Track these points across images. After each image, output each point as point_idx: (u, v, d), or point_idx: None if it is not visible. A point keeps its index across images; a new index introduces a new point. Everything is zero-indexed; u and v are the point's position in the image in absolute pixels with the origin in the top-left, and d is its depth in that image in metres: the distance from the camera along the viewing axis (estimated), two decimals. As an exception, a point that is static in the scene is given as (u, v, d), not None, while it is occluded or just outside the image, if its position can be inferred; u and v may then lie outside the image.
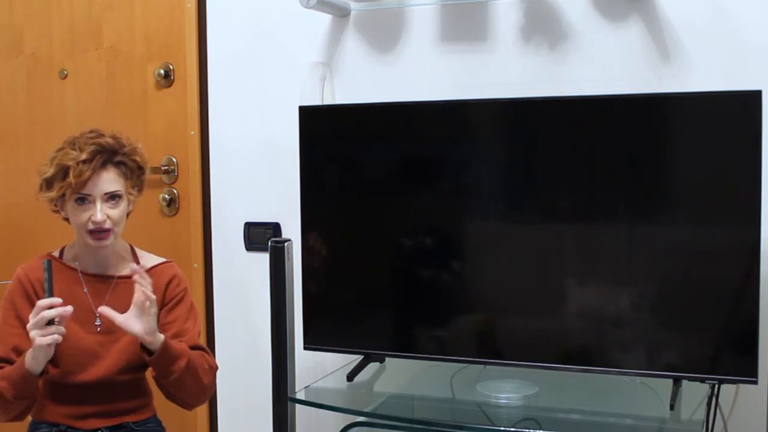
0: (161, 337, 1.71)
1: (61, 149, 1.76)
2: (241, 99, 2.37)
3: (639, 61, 1.95)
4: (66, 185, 1.72)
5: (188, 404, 1.85)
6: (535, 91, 1.98)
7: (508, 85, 2.05)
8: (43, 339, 1.61)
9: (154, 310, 1.68)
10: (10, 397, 1.68)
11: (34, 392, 1.70)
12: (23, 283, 1.79)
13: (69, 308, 1.64)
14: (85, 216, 1.74)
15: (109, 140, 1.77)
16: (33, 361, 1.65)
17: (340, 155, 1.96)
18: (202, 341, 1.92)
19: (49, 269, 1.67)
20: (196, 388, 1.79)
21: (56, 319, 1.63)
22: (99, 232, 1.75)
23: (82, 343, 1.76)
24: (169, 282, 1.87)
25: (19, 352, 1.72)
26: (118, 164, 1.77)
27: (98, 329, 1.78)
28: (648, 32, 1.94)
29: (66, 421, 1.79)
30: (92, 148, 1.73)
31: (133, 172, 1.82)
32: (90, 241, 1.76)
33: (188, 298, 1.89)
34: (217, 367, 1.87)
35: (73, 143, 1.75)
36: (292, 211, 2.05)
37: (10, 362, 1.72)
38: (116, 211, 1.76)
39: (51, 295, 1.65)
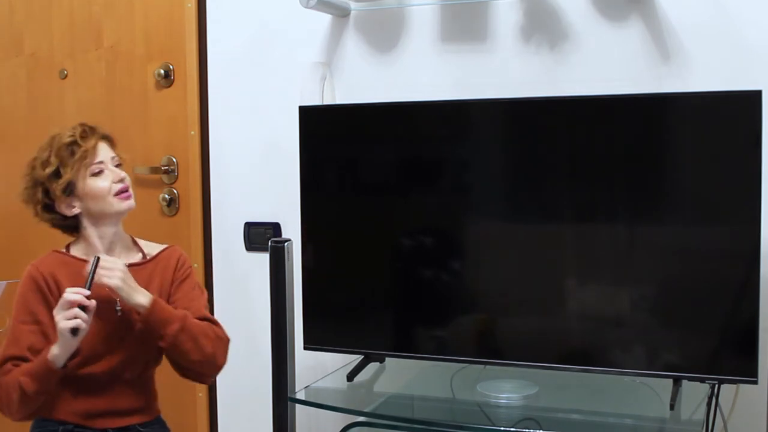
0: (149, 296, 1.74)
1: (47, 148, 1.80)
2: (241, 99, 2.37)
3: (639, 61, 1.95)
4: (80, 156, 1.77)
5: (200, 375, 1.86)
6: (535, 91, 1.98)
7: (508, 85, 2.05)
8: (66, 322, 1.63)
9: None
10: (31, 393, 1.68)
11: (53, 387, 1.71)
12: (35, 278, 1.78)
13: (93, 302, 1.67)
14: (106, 183, 1.80)
15: (84, 123, 1.85)
16: (57, 350, 1.66)
17: (340, 155, 1.96)
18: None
19: (95, 264, 1.71)
20: (199, 354, 1.78)
21: (85, 307, 1.65)
22: (125, 191, 1.82)
23: (100, 332, 1.76)
24: (177, 262, 1.91)
25: (35, 351, 1.72)
26: (104, 138, 1.85)
27: (119, 314, 1.79)
28: (648, 32, 1.94)
29: (75, 419, 1.78)
30: (81, 127, 1.82)
31: (114, 146, 1.88)
32: (118, 205, 1.80)
33: (193, 275, 1.94)
34: (228, 339, 1.87)
35: (55, 136, 1.81)
36: (292, 211, 2.05)
37: (26, 361, 1.71)
38: (126, 175, 1.84)
39: (89, 287, 1.68)
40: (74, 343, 1.66)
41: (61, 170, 1.77)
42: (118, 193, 1.80)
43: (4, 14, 2.74)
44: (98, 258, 1.73)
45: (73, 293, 1.65)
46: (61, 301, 1.65)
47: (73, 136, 1.79)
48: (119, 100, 2.55)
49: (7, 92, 2.75)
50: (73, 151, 1.78)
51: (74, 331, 1.63)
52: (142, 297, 1.73)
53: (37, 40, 2.68)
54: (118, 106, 2.55)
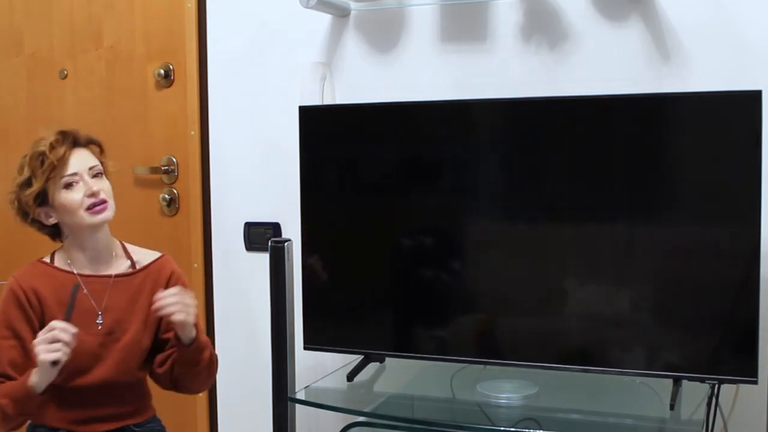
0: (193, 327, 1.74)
1: (25, 154, 1.76)
2: (241, 99, 2.37)
3: (639, 61, 1.95)
4: (48, 168, 1.71)
5: (193, 392, 1.91)
6: (535, 91, 1.98)
7: (508, 85, 2.05)
8: (46, 355, 1.59)
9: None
10: (13, 415, 1.67)
11: (36, 409, 1.69)
12: (16, 293, 1.74)
13: (76, 334, 1.63)
14: (78, 195, 1.73)
15: (66, 129, 1.79)
16: (37, 378, 1.63)
17: (340, 155, 1.96)
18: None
19: (74, 294, 1.70)
20: (208, 377, 1.84)
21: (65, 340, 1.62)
22: (98, 204, 1.75)
23: (84, 346, 1.72)
24: (169, 278, 1.86)
25: (16, 365, 1.70)
26: (87, 144, 1.80)
27: (99, 327, 1.77)
28: (648, 32, 1.94)
29: (67, 425, 1.77)
30: (57, 135, 1.75)
31: (102, 151, 1.84)
32: (90, 219, 1.74)
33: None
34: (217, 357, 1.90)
35: (34, 143, 1.76)
36: (292, 211, 2.05)
37: (9, 377, 1.69)
38: (105, 185, 1.78)
39: (69, 317, 1.66)
40: (53, 373, 1.62)
41: (33, 180, 1.73)
42: (89, 207, 1.74)
43: (4, 14, 2.73)
44: (77, 286, 1.72)
45: (61, 330, 1.60)
46: (45, 335, 1.61)
47: (45, 146, 1.73)
48: (119, 100, 2.55)
49: (7, 92, 2.75)
50: (42, 161, 1.72)
51: (54, 363, 1.60)
52: (194, 328, 1.74)
53: (37, 40, 2.68)
54: (118, 106, 2.55)
